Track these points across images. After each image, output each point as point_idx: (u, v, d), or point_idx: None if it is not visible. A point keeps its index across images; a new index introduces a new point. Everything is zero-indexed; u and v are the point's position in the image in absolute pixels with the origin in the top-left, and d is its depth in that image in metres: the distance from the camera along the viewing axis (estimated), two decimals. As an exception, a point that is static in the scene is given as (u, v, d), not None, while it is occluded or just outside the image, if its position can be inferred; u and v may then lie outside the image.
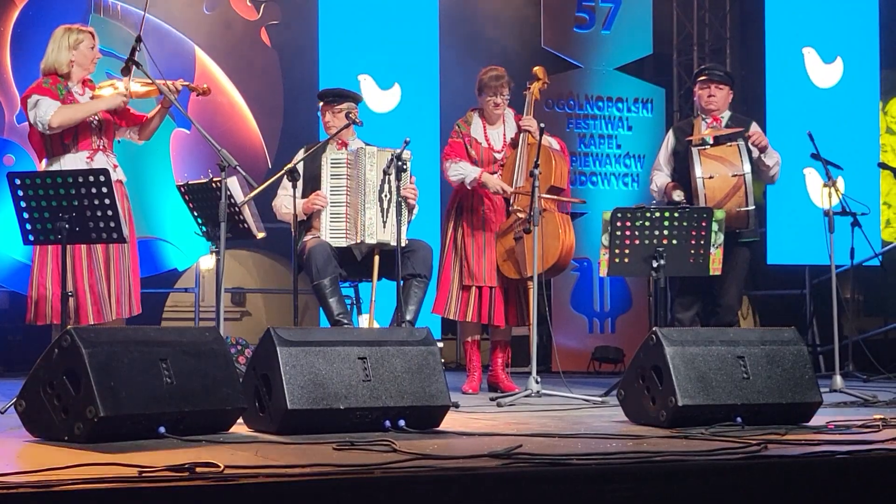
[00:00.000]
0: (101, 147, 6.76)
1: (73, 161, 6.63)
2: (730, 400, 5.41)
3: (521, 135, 7.62)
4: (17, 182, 5.78)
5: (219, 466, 3.64)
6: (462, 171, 7.65)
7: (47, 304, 6.64)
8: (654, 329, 5.52)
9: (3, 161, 9.31)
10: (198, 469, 3.61)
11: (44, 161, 6.74)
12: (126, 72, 6.69)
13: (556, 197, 7.51)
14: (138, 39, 6.56)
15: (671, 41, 11.80)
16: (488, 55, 9.32)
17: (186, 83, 6.84)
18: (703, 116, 7.94)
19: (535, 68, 7.86)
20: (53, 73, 6.75)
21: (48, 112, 6.57)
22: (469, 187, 7.66)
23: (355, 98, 7.64)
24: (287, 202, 7.23)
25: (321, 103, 7.60)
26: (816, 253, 10.24)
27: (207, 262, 10.12)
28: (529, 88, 7.78)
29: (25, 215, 5.81)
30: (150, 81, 6.70)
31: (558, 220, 7.47)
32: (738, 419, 5.35)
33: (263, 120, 10.21)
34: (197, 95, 6.97)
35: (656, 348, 5.41)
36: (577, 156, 10.70)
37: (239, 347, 8.81)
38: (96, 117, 6.72)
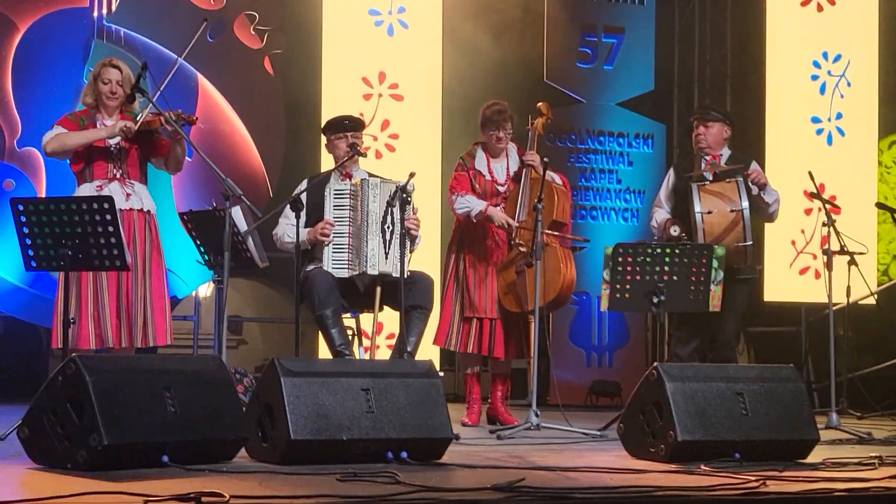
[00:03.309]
0: (117, 176, 6.79)
1: (87, 190, 6.71)
2: (729, 436, 5.45)
3: (525, 169, 7.65)
4: (21, 208, 5.78)
5: (224, 496, 3.66)
6: (468, 204, 7.67)
7: (55, 329, 6.67)
8: (655, 364, 5.56)
9: (3, 186, 9.31)
10: (204, 499, 3.63)
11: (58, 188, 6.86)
12: (131, 99, 6.74)
13: (558, 234, 7.53)
14: (144, 67, 6.59)
15: (672, 77, 11.84)
16: (491, 89, 9.35)
17: (180, 113, 6.83)
18: (702, 154, 7.96)
19: (540, 104, 7.89)
20: (86, 104, 6.92)
21: (46, 138, 6.78)
22: (475, 220, 7.68)
23: (358, 126, 7.64)
24: (289, 231, 7.25)
25: (331, 136, 7.59)
26: (812, 291, 10.31)
27: (206, 290, 10.12)
28: (534, 124, 7.82)
29: (28, 241, 5.81)
30: (157, 112, 6.72)
31: (560, 254, 7.49)
32: (737, 455, 5.38)
33: (265, 149, 10.21)
34: (182, 126, 6.95)
35: (657, 383, 5.44)
36: (577, 190, 10.72)
37: (237, 376, 8.80)
38: (115, 146, 6.77)
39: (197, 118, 7.06)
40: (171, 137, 6.88)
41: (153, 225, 6.91)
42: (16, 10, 9.52)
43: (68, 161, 6.88)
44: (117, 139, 6.78)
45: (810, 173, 7.95)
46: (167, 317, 6.89)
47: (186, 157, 8.33)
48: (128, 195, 6.74)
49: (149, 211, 6.89)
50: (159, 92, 6.71)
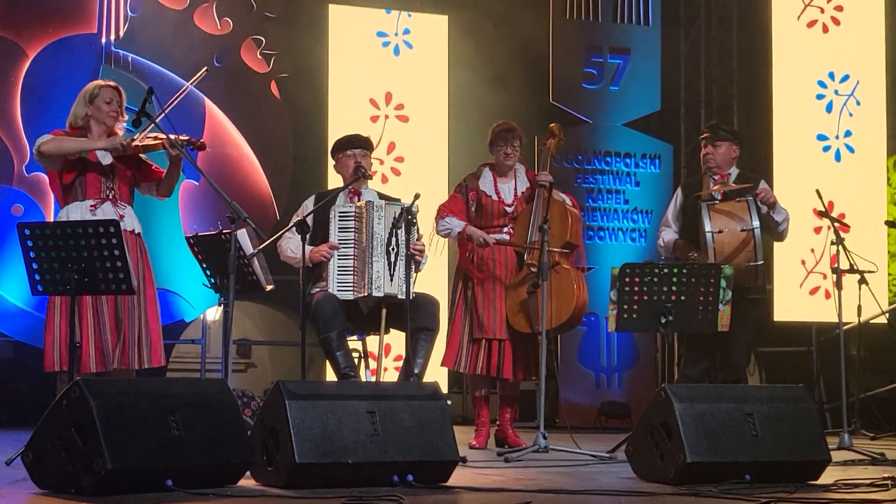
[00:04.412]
0: (109, 196, 6.75)
1: (78, 209, 6.64)
2: (739, 457, 5.40)
3: (537, 190, 7.63)
4: (27, 232, 5.77)
5: (227, 520, 3.64)
6: (448, 226, 7.71)
7: (54, 352, 6.62)
8: (663, 385, 5.52)
9: (12, 211, 9.32)
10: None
11: (57, 210, 6.79)
12: (137, 123, 6.71)
13: (562, 249, 7.51)
14: (150, 91, 6.57)
15: (679, 98, 11.84)
16: (496, 110, 9.35)
17: (187, 138, 6.81)
18: (711, 174, 7.94)
19: (552, 125, 7.88)
20: (73, 126, 6.83)
21: (42, 139, 6.68)
22: (455, 239, 7.71)
23: (366, 144, 7.62)
24: (293, 245, 7.23)
25: (339, 154, 7.58)
26: (822, 310, 10.27)
27: (213, 314, 10.11)
28: (546, 144, 7.80)
29: (34, 265, 5.79)
30: (159, 136, 6.71)
31: (572, 276, 7.48)
32: (747, 477, 5.33)
33: (272, 172, 10.22)
34: (192, 150, 6.92)
35: (665, 404, 5.40)
36: (584, 211, 10.71)
37: (245, 400, 8.78)
38: (108, 166, 6.72)
39: (205, 143, 7.03)
40: (171, 162, 6.84)
41: (143, 247, 6.87)
42: (24, 36, 9.56)
43: (56, 173, 6.76)
44: (109, 159, 6.75)
45: (818, 191, 7.92)
46: (161, 338, 6.87)
47: (194, 181, 8.30)
48: (121, 216, 6.68)
49: (139, 233, 6.86)
50: (163, 115, 6.68)
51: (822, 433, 5.72)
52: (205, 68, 6.99)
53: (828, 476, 5.60)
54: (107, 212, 6.63)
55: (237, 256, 6.48)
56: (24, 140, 9.32)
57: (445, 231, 7.73)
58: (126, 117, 6.91)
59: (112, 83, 6.95)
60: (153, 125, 6.62)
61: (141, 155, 6.86)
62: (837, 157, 10.86)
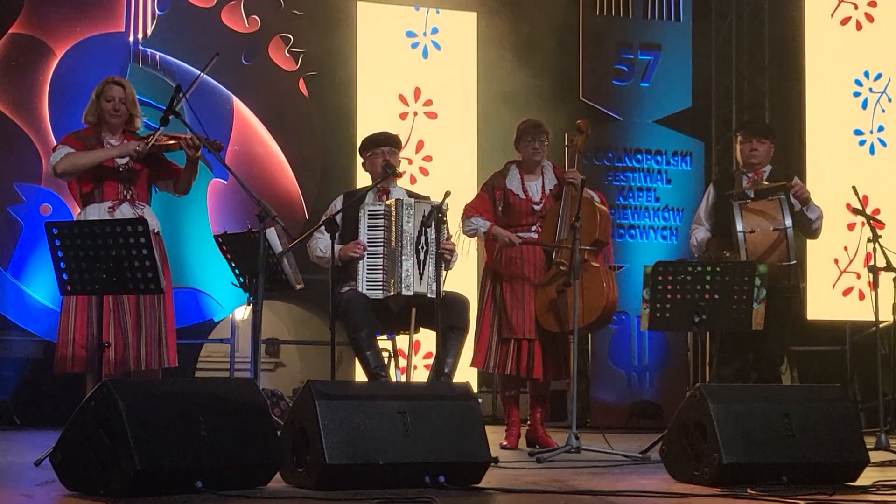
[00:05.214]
0: (127, 197, 6.71)
1: (96, 211, 6.62)
2: (775, 458, 5.34)
3: (565, 187, 7.57)
4: (55, 231, 5.76)
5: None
6: (474, 226, 7.66)
7: (69, 353, 6.60)
8: (698, 385, 5.46)
9: (40, 210, 9.32)
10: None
11: (78, 212, 6.78)
12: (165, 122, 6.66)
13: (591, 248, 7.44)
14: (178, 89, 6.52)
15: (710, 94, 11.76)
16: (526, 107, 9.30)
17: (204, 138, 6.75)
18: (744, 171, 7.88)
19: (579, 121, 7.81)
20: (87, 122, 6.82)
21: (56, 158, 6.65)
22: (481, 239, 7.67)
23: (393, 142, 7.58)
24: (322, 245, 7.19)
25: (367, 153, 7.54)
26: (856, 309, 10.18)
27: (242, 313, 10.09)
28: (573, 141, 7.74)
29: (62, 265, 5.78)
30: (174, 135, 6.67)
31: (602, 274, 7.41)
32: (784, 478, 5.26)
33: (301, 170, 10.21)
34: (208, 151, 6.84)
35: (700, 404, 5.34)
36: (615, 208, 10.66)
37: (274, 399, 8.75)
38: (124, 167, 6.69)
39: (221, 143, 6.97)
40: (189, 161, 6.79)
41: (162, 246, 6.83)
42: (52, 35, 9.58)
43: (74, 183, 6.74)
44: (126, 159, 6.72)
45: (854, 188, 7.84)
46: (175, 339, 6.84)
47: (222, 180, 8.23)
48: (140, 216, 6.61)
49: (158, 232, 6.82)
50: (185, 99, 6.59)
51: (860, 434, 5.65)
52: (216, 53, 6.91)
53: (866, 477, 5.52)
54: (125, 212, 6.61)
55: (266, 255, 6.44)
56: (53, 140, 9.31)
57: (472, 231, 7.68)
58: (144, 116, 6.88)
59: (117, 78, 6.92)
60: (187, 126, 6.56)
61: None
62: (872, 150, 10.78)
